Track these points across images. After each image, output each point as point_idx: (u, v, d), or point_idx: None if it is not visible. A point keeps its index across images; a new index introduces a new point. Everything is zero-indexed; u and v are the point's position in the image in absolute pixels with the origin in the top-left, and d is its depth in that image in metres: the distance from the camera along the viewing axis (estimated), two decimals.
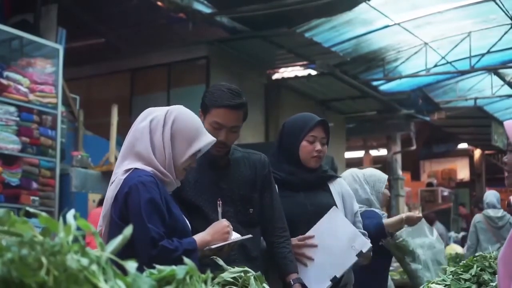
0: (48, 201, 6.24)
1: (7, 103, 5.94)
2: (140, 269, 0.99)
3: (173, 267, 1.19)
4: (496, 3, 8.70)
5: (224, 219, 2.29)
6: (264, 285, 1.92)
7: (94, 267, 0.88)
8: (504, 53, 11.06)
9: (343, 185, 3.01)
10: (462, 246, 10.16)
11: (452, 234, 12.33)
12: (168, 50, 9.66)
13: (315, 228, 2.73)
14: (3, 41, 6.40)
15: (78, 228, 0.95)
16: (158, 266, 1.24)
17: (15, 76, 6.09)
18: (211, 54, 9.67)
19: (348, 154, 14.65)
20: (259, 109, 10.65)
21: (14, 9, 7.39)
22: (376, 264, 3.25)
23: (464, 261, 2.77)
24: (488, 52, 10.47)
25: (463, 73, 11.64)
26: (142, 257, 1.90)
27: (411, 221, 3.49)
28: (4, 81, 5.96)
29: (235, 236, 2.26)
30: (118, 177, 2.16)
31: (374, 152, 16.99)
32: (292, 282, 2.52)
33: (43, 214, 0.96)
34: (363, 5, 8.39)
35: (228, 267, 2.01)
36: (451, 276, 2.67)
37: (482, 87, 12.86)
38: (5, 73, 6.04)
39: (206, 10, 8.45)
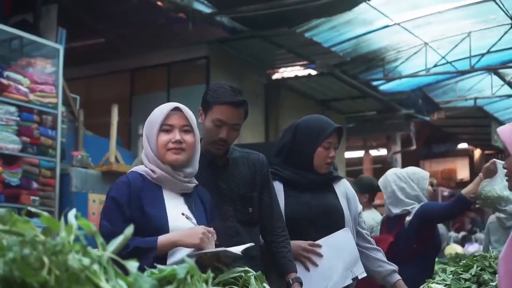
0: (48, 201, 6.24)
1: (7, 103, 5.93)
2: (140, 269, 1.00)
3: (174, 266, 1.20)
4: (496, 3, 8.70)
5: (202, 226, 2.15)
6: (264, 284, 1.93)
7: (95, 266, 0.88)
8: (504, 53, 11.06)
9: (347, 186, 3.02)
10: (462, 246, 10.18)
11: (452, 234, 12.33)
12: (168, 50, 9.66)
13: (324, 240, 2.75)
14: (3, 41, 6.40)
15: (79, 228, 0.95)
16: (159, 266, 1.24)
17: (15, 76, 6.09)
18: (211, 54, 9.67)
19: (348, 154, 14.65)
20: (259, 109, 10.65)
21: (14, 9, 7.39)
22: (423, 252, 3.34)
23: (464, 261, 2.78)
24: (488, 52, 10.47)
25: (463, 73, 11.64)
26: None
27: (489, 173, 3.51)
28: (4, 81, 5.96)
29: (231, 248, 2.13)
30: None
31: (374, 152, 17.00)
32: (291, 281, 2.53)
33: (45, 213, 0.97)
34: (363, 5, 8.39)
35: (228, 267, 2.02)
36: (451, 276, 2.67)
37: (482, 87, 12.87)
38: (5, 73, 6.04)
39: (206, 10, 8.45)
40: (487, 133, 14.52)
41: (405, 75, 11.50)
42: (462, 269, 2.70)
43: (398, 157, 14.09)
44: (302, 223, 2.75)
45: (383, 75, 11.28)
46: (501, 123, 14.90)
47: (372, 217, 4.96)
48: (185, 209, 2.24)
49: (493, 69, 11.84)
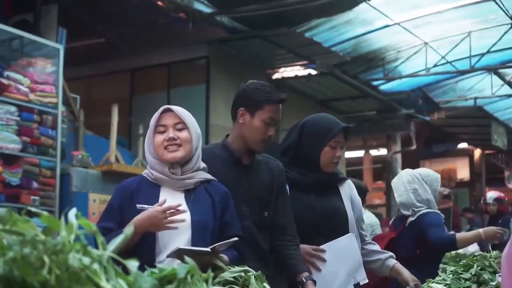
0: (48, 200, 6.24)
1: (7, 102, 5.94)
2: (141, 268, 1.00)
3: (174, 266, 1.20)
4: (496, 3, 8.70)
5: (159, 207, 2.20)
6: (265, 284, 1.93)
7: (96, 266, 0.88)
8: (504, 53, 11.06)
9: (352, 187, 3.02)
10: None
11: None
12: (168, 50, 9.66)
13: (328, 245, 2.76)
14: (3, 41, 6.40)
15: (80, 227, 0.96)
16: (159, 265, 1.25)
17: (15, 76, 6.09)
18: (211, 54, 9.68)
19: (348, 154, 14.65)
20: None
21: (14, 9, 7.39)
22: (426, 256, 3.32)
23: (464, 261, 2.78)
24: (488, 52, 10.47)
25: (463, 73, 11.63)
26: None
27: (492, 238, 3.49)
28: (5, 81, 5.96)
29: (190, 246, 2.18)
30: None
31: (374, 152, 16.99)
32: (304, 280, 2.54)
33: (45, 213, 0.97)
34: (363, 5, 8.39)
35: (228, 267, 2.02)
36: (451, 276, 2.67)
37: (482, 87, 12.86)
38: (6, 73, 6.04)
39: (206, 10, 8.45)
40: (487, 133, 14.51)
41: (405, 75, 11.50)
42: (462, 268, 2.70)
43: (398, 157, 14.09)
44: (306, 227, 2.75)
45: (383, 75, 11.28)
46: (501, 123, 14.92)
47: (367, 216, 5.02)
48: (183, 204, 2.29)
49: (493, 69, 11.84)
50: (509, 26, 9.65)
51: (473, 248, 8.78)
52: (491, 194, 7.59)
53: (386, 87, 12.28)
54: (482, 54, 10.52)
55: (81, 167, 6.71)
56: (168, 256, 2.12)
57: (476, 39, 10.12)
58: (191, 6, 8.20)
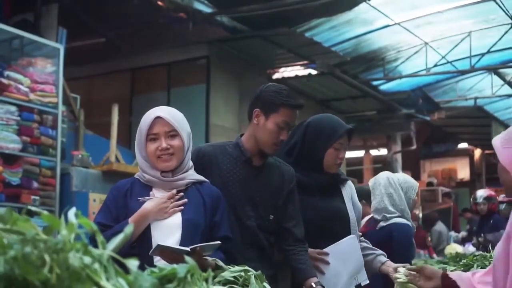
0: (48, 200, 6.24)
1: (7, 102, 5.94)
2: (141, 267, 1.00)
3: (174, 265, 1.20)
4: (496, 3, 8.70)
5: (161, 197, 2.33)
6: (265, 284, 1.93)
7: (96, 265, 0.89)
8: (504, 53, 11.06)
9: (353, 188, 3.03)
10: (463, 245, 10.19)
11: (452, 233, 12.33)
12: (168, 50, 9.66)
13: (331, 248, 2.77)
14: (3, 40, 6.40)
15: (80, 226, 0.96)
16: (159, 265, 1.25)
17: (15, 76, 6.09)
18: (211, 54, 9.68)
19: (348, 154, 14.61)
20: None
21: (14, 9, 7.39)
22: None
23: (465, 260, 2.78)
24: (488, 51, 10.47)
25: (463, 72, 11.64)
26: None
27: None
28: (5, 81, 5.96)
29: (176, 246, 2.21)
30: None
31: (374, 152, 16.99)
32: (314, 285, 2.53)
33: (45, 212, 0.97)
34: (363, 5, 8.39)
35: (229, 266, 2.02)
36: None
37: (482, 87, 12.86)
38: (6, 73, 6.04)
39: (206, 9, 8.45)
40: (487, 133, 14.50)
41: (405, 75, 11.50)
42: (462, 268, 2.70)
43: (399, 156, 14.09)
44: (311, 228, 2.75)
45: (383, 75, 11.28)
46: (501, 122, 14.92)
47: None
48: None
49: (493, 69, 11.84)
50: (509, 26, 9.65)
51: (474, 247, 8.79)
52: (481, 193, 7.36)
53: (386, 87, 12.28)
54: (482, 54, 10.52)
55: (81, 167, 6.71)
56: (150, 254, 2.15)
57: (476, 39, 10.12)
58: (191, 6, 8.20)
